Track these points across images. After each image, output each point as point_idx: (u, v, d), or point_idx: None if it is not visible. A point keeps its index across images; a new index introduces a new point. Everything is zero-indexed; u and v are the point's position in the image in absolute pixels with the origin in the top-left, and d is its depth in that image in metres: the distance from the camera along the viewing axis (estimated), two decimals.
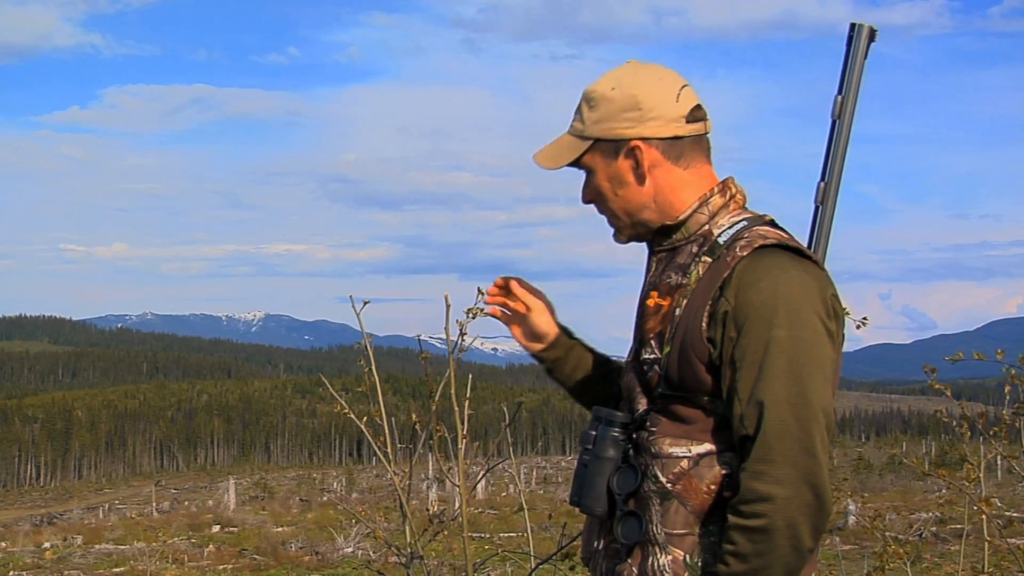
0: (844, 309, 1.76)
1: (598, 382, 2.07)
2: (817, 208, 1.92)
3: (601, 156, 1.83)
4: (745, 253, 1.70)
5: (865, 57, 1.91)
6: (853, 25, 1.92)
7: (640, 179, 1.81)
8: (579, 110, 1.86)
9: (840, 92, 1.92)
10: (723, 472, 1.70)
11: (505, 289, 2.06)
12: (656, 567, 1.72)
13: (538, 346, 2.08)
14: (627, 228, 1.87)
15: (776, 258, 1.70)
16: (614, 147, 1.82)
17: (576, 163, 1.86)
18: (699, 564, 1.70)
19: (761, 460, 1.61)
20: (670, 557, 1.71)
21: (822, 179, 1.92)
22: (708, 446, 1.71)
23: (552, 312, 2.07)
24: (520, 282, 2.06)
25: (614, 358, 2.11)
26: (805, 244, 1.88)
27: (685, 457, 1.72)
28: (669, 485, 1.72)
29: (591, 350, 2.10)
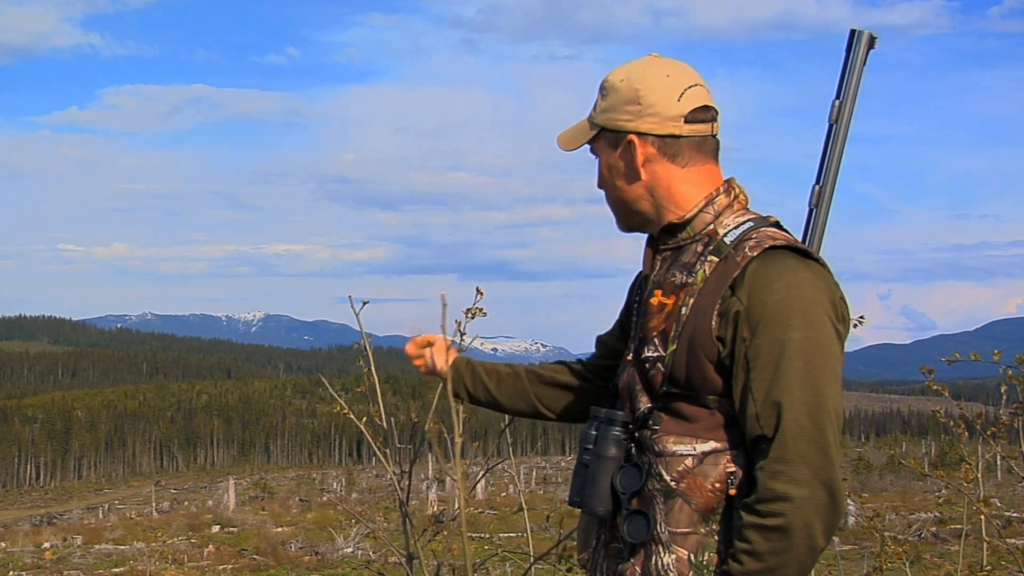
0: (850, 313, 1.77)
1: (517, 396, 2.20)
2: (811, 211, 1.92)
3: (605, 145, 1.87)
4: (755, 253, 1.71)
5: (864, 64, 1.92)
6: (853, 31, 1.93)
7: (634, 173, 1.84)
8: (597, 96, 1.90)
9: (838, 97, 1.92)
10: (728, 470, 1.70)
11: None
12: (660, 566, 1.71)
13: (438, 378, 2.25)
14: (623, 218, 1.91)
15: (788, 260, 1.71)
16: (614, 138, 1.85)
17: (591, 149, 1.91)
18: (705, 562, 1.70)
19: (779, 460, 1.61)
20: (674, 556, 1.71)
21: (817, 182, 1.92)
22: (713, 444, 1.71)
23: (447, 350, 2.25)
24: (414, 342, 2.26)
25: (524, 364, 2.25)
26: None
27: (690, 455, 1.72)
28: (673, 483, 1.72)
29: (494, 370, 2.23)
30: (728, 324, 1.69)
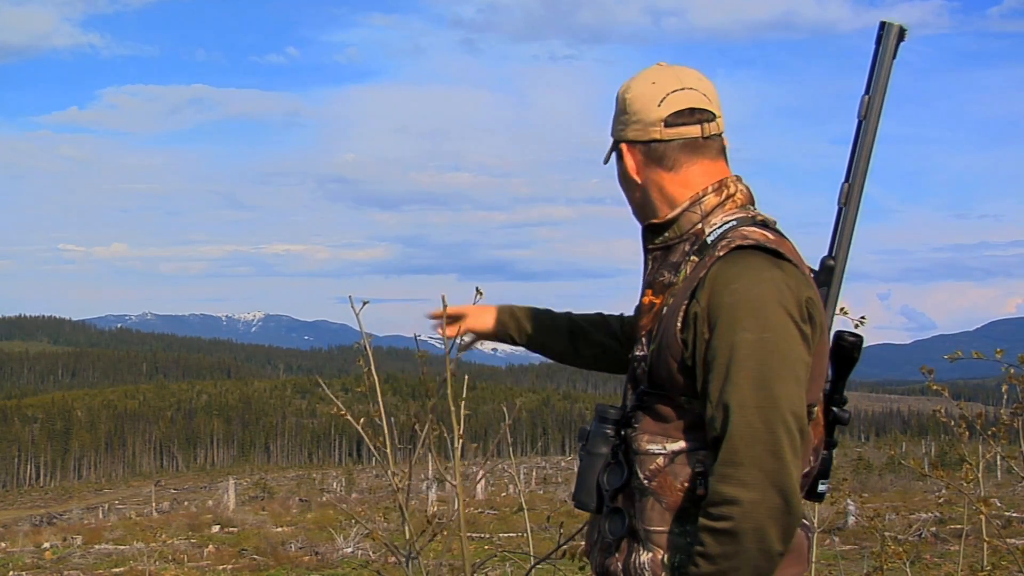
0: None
1: (552, 333, 2.28)
2: (840, 209, 1.89)
3: (615, 155, 1.94)
4: (721, 254, 1.71)
5: (894, 57, 1.88)
6: (883, 24, 1.89)
7: (630, 180, 1.88)
8: None
9: (867, 92, 1.88)
10: (696, 470, 1.72)
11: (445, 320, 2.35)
12: (637, 563, 1.76)
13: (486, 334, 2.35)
14: (641, 224, 1.94)
15: (751, 260, 1.69)
16: (616, 148, 1.91)
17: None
18: (674, 564, 1.72)
19: (728, 463, 1.62)
20: (650, 555, 1.74)
21: (846, 180, 1.89)
22: (682, 444, 1.74)
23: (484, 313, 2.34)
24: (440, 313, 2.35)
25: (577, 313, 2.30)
26: (827, 245, 1.89)
27: (661, 454, 1.75)
28: (646, 482, 1.76)
29: (543, 313, 2.30)
30: (690, 325, 1.70)
